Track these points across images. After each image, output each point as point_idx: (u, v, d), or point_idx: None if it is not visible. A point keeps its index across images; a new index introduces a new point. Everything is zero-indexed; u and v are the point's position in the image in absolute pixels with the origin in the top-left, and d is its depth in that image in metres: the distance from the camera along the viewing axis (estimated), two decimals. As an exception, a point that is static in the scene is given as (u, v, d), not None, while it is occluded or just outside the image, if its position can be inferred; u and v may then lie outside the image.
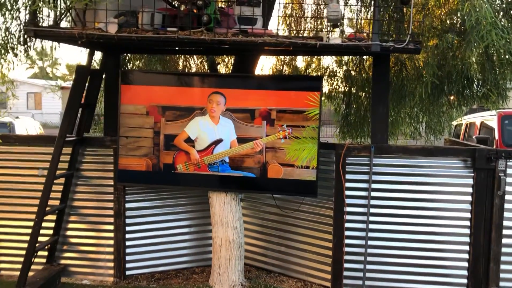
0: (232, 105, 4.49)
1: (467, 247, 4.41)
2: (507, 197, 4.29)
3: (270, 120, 4.46)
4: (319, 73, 6.85)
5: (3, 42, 4.26)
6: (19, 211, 4.93)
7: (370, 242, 4.50)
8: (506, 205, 4.30)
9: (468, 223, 4.40)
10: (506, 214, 4.31)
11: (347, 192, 4.49)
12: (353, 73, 6.32)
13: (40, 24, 4.08)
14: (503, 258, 4.34)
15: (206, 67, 7.09)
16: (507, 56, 3.91)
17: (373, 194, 4.49)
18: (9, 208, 4.95)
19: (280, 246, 5.15)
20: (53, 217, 4.74)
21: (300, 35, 5.56)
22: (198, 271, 5.23)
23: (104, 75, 5.10)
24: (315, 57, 6.68)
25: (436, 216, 4.45)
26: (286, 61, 7.00)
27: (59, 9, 4.14)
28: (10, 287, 4.58)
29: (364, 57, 5.97)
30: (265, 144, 4.46)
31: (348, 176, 4.49)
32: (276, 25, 6.92)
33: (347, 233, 4.52)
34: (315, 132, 4.39)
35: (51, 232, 4.79)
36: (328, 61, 6.85)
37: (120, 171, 4.67)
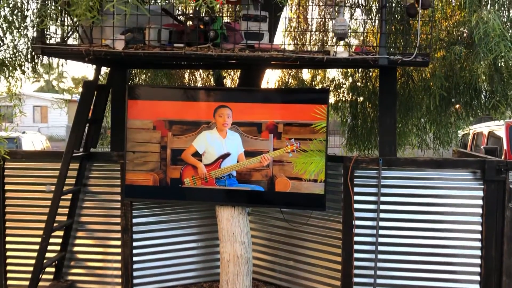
0: (239, 119, 4.48)
1: (478, 261, 4.34)
2: (518, 209, 4.24)
3: (277, 134, 4.44)
4: (324, 85, 6.85)
5: (11, 59, 4.29)
6: (27, 227, 4.92)
7: (379, 256, 4.44)
8: (518, 217, 4.24)
9: (479, 236, 4.34)
10: (517, 227, 4.25)
11: (356, 206, 4.45)
12: (359, 84, 6.31)
13: (47, 42, 4.10)
14: (515, 271, 4.28)
15: (212, 81, 7.11)
16: (515, 67, 3.89)
17: (382, 207, 4.44)
18: (17, 224, 4.94)
19: (289, 260, 5.11)
20: (61, 233, 4.73)
21: (305, 49, 5.57)
22: (206, 286, 5.19)
23: (111, 90, 5.12)
24: (320, 69, 6.68)
25: (446, 229, 4.39)
26: (291, 74, 7.00)
27: (66, 26, 4.17)
28: (17, 304, 4.56)
29: (371, 68, 5.96)
30: (272, 158, 4.44)
31: (356, 189, 4.45)
32: (282, 39, 6.92)
33: (356, 247, 4.47)
34: (322, 145, 4.37)
35: (58, 248, 4.78)
36: (333, 73, 6.85)
37: (127, 186, 4.66)
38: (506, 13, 4.14)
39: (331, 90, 6.58)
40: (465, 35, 4.44)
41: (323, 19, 6.23)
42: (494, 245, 4.28)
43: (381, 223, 4.44)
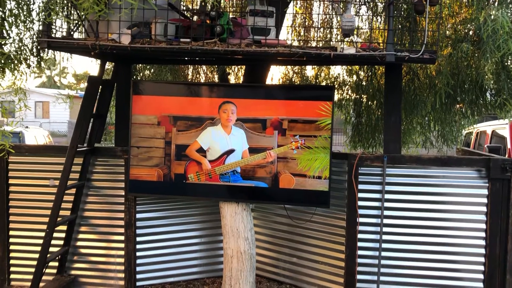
0: (243, 115, 4.47)
1: (482, 259, 4.34)
2: (523, 207, 4.23)
3: (282, 130, 4.43)
4: (329, 82, 6.83)
5: (16, 53, 4.28)
6: (30, 221, 4.93)
7: (383, 253, 4.44)
8: (522, 216, 4.24)
9: (483, 234, 4.33)
10: (522, 225, 4.24)
11: (360, 203, 4.45)
12: (363, 81, 6.30)
13: (53, 35, 4.09)
14: (519, 270, 4.27)
15: (216, 77, 7.09)
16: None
17: (386, 204, 4.44)
18: (21, 219, 4.95)
19: (292, 257, 5.11)
20: (64, 227, 4.73)
21: (310, 45, 5.55)
22: (208, 282, 5.19)
23: (115, 85, 5.11)
24: (325, 66, 6.67)
25: (450, 227, 4.39)
26: (295, 70, 6.99)
27: (72, 20, 4.16)
28: (21, 298, 4.57)
29: (376, 66, 5.95)
30: (276, 154, 4.43)
31: (360, 186, 4.45)
32: (286, 35, 6.91)
33: (360, 244, 4.47)
34: (327, 142, 4.36)
35: (62, 242, 4.78)
36: (338, 70, 6.84)
37: (131, 181, 4.65)
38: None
39: (335, 88, 6.56)
40: (471, 32, 4.42)
41: (329, 15, 6.21)
42: (498, 243, 4.27)
43: (385, 221, 4.43)
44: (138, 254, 4.91)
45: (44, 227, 4.36)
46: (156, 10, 3.67)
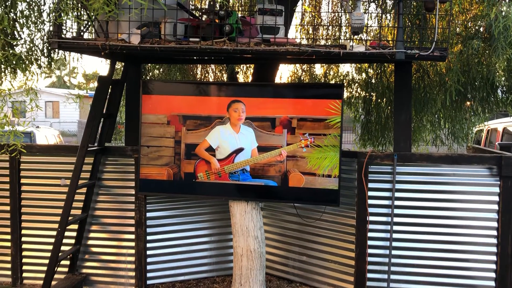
0: (252, 114, 4.47)
1: (494, 257, 4.30)
2: (535, 205, 4.19)
3: (291, 129, 4.43)
4: (338, 80, 6.82)
5: (27, 54, 4.32)
6: (42, 220, 4.98)
7: (394, 252, 4.42)
8: (535, 214, 4.20)
9: (495, 232, 4.30)
10: (534, 223, 4.20)
11: (370, 201, 4.43)
12: (373, 79, 6.27)
13: (63, 36, 4.12)
14: (532, 268, 4.24)
15: (225, 76, 7.10)
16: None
17: (397, 203, 4.42)
18: (32, 218, 5.00)
19: (302, 255, 5.10)
20: (75, 226, 4.77)
21: (319, 43, 5.54)
22: (218, 280, 5.20)
23: (125, 85, 5.14)
24: (334, 64, 6.65)
25: (461, 225, 4.36)
26: (304, 69, 6.97)
27: (82, 20, 4.19)
28: (33, 297, 4.62)
29: (385, 63, 5.92)
30: (286, 153, 4.43)
31: (370, 185, 4.43)
32: (295, 33, 6.89)
33: (370, 242, 4.46)
34: (337, 140, 4.35)
35: (73, 241, 4.82)
36: (347, 68, 6.82)
37: (141, 180, 4.68)
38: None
39: (344, 85, 6.55)
40: (482, 29, 4.38)
41: (338, 13, 6.20)
42: (510, 241, 4.24)
43: (396, 219, 4.41)
44: (148, 252, 4.94)
45: (56, 226, 4.40)
46: (165, 10, 3.68)
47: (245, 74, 7.23)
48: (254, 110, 4.47)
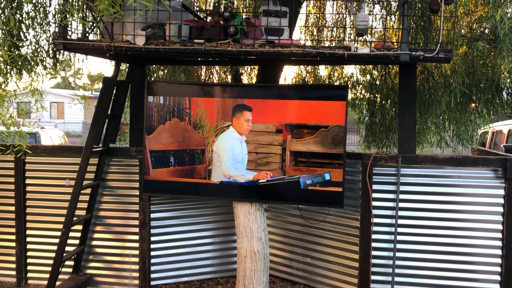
0: (257, 115, 4.46)
1: (499, 260, 4.28)
2: (541, 208, 4.17)
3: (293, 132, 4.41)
4: (342, 82, 6.81)
5: (33, 55, 4.34)
6: (47, 221, 4.99)
7: (398, 254, 4.41)
8: (540, 217, 4.17)
9: (500, 235, 4.28)
10: (540, 226, 4.18)
11: (374, 203, 4.42)
12: (377, 81, 6.26)
13: (68, 37, 4.14)
14: (537, 271, 4.21)
15: (229, 77, 7.11)
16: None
17: (401, 205, 4.41)
18: (37, 218, 5.02)
19: (305, 257, 5.09)
20: (80, 227, 4.78)
21: (324, 45, 5.54)
22: (222, 281, 5.20)
23: (130, 86, 5.15)
24: (339, 65, 6.65)
25: (466, 228, 4.34)
26: (308, 70, 6.97)
27: (87, 22, 4.21)
28: (37, 297, 4.63)
29: (390, 65, 5.91)
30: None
31: (375, 187, 4.43)
32: (299, 35, 6.90)
33: (374, 244, 4.45)
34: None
35: (77, 242, 4.83)
36: (351, 69, 6.82)
37: (146, 181, 4.69)
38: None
39: (349, 87, 6.54)
40: (487, 31, 4.37)
41: (343, 15, 6.19)
42: (515, 244, 4.22)
43: (400, 221, 4.40)
44: (152, 253, 4.95)
45: (60, 226, 4.41)
46: (170, 11, 3.69)
47: (249, 75, 7.24)
48: (259, 112, 4.43)
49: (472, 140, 6.40)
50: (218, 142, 4.51)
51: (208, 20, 4.42)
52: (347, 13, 6.01)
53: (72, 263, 4.83)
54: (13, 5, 3.95)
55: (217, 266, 5.28)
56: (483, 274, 4.32)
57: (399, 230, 4.40)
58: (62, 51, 4.56)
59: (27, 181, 5.01)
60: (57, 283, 4.43)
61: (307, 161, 4.36)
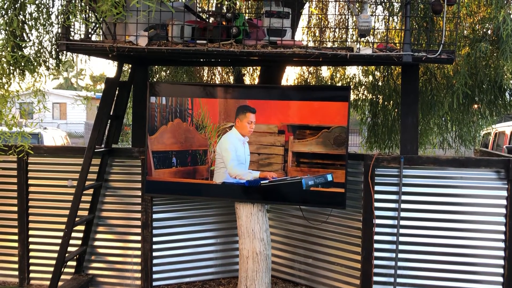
0: (259, 116, 4.46)
1: (501, 261, 4.27)
2: (543, 209, 4.16)
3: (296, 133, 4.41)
4: (344, 83, 6.81)
5: (35, 55, 4.35)
6: (49, 221, 5.00)
7: (400, 255, 4.40)
8: (543, 218, 4.16)
9: (502, 236, 4.27)
10: (542, 228, 4.17)
11: (376, 204, 4.41)
12: (380, 82, 6.26)
13: (71, 38, 4.15)
14: (540, 273, 4.20)
15: (231, 78, 7.11)
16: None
17: (403, 206, 4.40)
18: (40, 219, 5.03)
19: (307, 258, 5.09)
20: (82, 227, 4.79)
21: (326, 45, 5.54)
22: (224, 282, 5.20)
23: (132, 87, 5.16)
24: (341, 66, 6.64)
25: (468, 229, 4.33)
26: (311, 71, 6.97)
27: (90, 23, 4.21)
28: (40, 297, 4.64)
29: (392, 66, 5.91)
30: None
31: (377, 188, 4.42)
32: (302, 36, 6.90)
33: (376, 245, 4.44)
34: (343, 143, 4.33)
35: (79, 242, 4.84)
36: (353, 70, 6.81)
37: (148, 182, 4.69)
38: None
39: (351, 88, 6.53)
40: (490, 31, 4.36)
41: (345, 16, 6.19)
42: (518, 246, 4.21)
43: (402, 222, 4.39)
44: (154, 254, 4.95)
45: (63, 227, 4.42)
46: (173, 12, 3.70)
47: (251, 76, 7.24)
48: (262, 112, 4.44)
49: (475, 141, 6.39)
50: (221, 143, 4.51)
51: (210, 21, 4.43)
52: (349, 14, 6.01)
53: (74, 263, 4.84)
54: (16, 6, 3.96)
55: (219, 267, 5.28)
56: (485, 275, 4.31)
57: (401, 231, 4.40)
58: (64, 51, 4.57)
59: (30, 181, 5.02)
60: (60, 283, 4.43)
61: (309, 162, 4.36)
